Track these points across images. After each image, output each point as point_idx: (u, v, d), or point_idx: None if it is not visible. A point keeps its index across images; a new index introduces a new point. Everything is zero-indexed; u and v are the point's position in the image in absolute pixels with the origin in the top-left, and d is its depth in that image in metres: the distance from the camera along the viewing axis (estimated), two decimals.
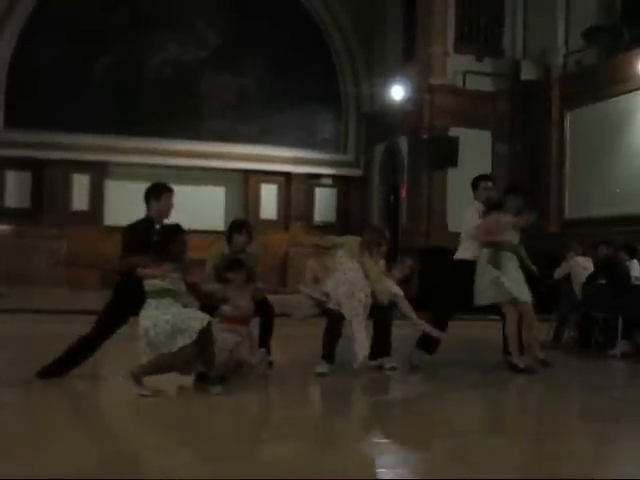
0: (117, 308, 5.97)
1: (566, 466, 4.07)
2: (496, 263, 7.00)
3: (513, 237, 7.24)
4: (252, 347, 6.44)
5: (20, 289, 15.71)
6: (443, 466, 3.95)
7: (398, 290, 6.97)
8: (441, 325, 7.15)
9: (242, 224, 7.16)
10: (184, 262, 5.97)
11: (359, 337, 6.56)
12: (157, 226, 6.11)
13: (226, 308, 6.34)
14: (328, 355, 6.66)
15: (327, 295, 6.75)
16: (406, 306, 6.92)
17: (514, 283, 7.02)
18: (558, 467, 4.02)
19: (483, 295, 7.08)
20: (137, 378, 5.54)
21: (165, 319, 5.59)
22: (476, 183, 7.64)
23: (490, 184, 7.63)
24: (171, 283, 5.75)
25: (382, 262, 7.10)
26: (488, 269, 7.01)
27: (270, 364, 6.84)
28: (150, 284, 5.72)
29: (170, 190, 6.24)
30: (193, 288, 6.08)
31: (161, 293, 5.73)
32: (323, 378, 6.44)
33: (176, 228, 6.01)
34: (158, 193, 6.17)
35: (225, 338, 6.10)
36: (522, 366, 6.96)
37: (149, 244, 5.88)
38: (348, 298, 6.63)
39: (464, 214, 7.63)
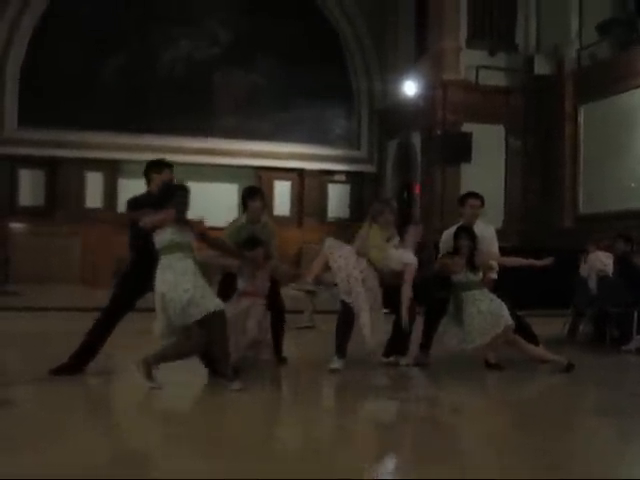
0: (130, 281, 5.97)
1: (581, 463, 4.04)
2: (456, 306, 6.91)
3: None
4: (264, 344, 6.43)
5: (35, 287, 15.78)
6: (449, 463, 3.94)
7: (410, 259, 6.78)
8: (434, 325, 7.16)
9: (255, 190, 7.18)
10: (188, 222, 5.82)
11: (363, 318, 6.53)
12: None
13: (242, 284, 6.35)
14: (339, 349, 6.65)
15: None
16: (407, 286, 6.79)
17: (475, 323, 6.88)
18: (573, 464, 4.00)
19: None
20: (147, 369, 5.51)
21: (184, 288, 5.47)
22: (464, 200, 7.41)
23: (478, 203, 7.39)
24: (179, 236, 5.63)
25: (394, 231, 7.01)
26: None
27: (284, 360, 6.84)
28: (159, 240, 5.62)
29: (170, 165, 6.25)
30: (204, 238, 5.94)
31: (171, 248, 5.59)
32: (336, 374, 6.42)
33: (176, 185, 5.94)
34: (159, 168, 6.19)
35: (239, 302, 6.15)
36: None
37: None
38: (346, 282, 6.58)
39: (444, 235, 7.46)
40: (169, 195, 5.79)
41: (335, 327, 6.74)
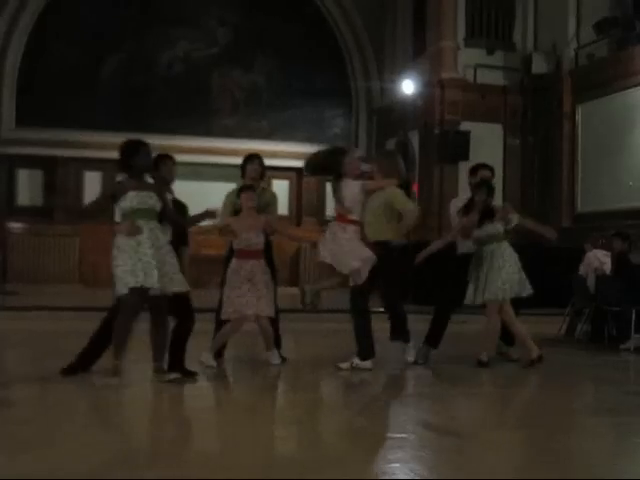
0: None
1: (580, 462, 4.05)
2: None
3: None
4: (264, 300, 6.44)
5: (33, 286, 15.78)
6: (453, 462, 3.95)
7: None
8: (443, 320, 7.13)
9: (253, 155, 7.19)
10: (151, 185, 5.71)
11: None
12: None
13: (235, 242, 6.36)
14: (362, 350, 6.56)
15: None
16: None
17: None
18: (571, 463, 4.01)
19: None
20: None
21: (116, 263, 5.44)
22: (475, 171, 7.50)
23: (489, 174, 7.48)
24: (140, 201, 5.53)
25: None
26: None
27: (284, 360, 6.85)
28: (121, 207, 5.52)
29: (147, 144, 5.95)
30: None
31: (131, 216, 5.50)
32: (341, 374, 6.43)
33: (139, 141, 5.77)
34: (136, 149, 5.87)
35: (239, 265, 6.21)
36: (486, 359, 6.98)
37: None
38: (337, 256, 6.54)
39: (452, 205, 7.57)
40: (132, 152, 5.64)
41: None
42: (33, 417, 4.74)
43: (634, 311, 8.45)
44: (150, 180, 5.82)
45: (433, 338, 7.08)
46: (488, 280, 6.78)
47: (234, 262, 6.40)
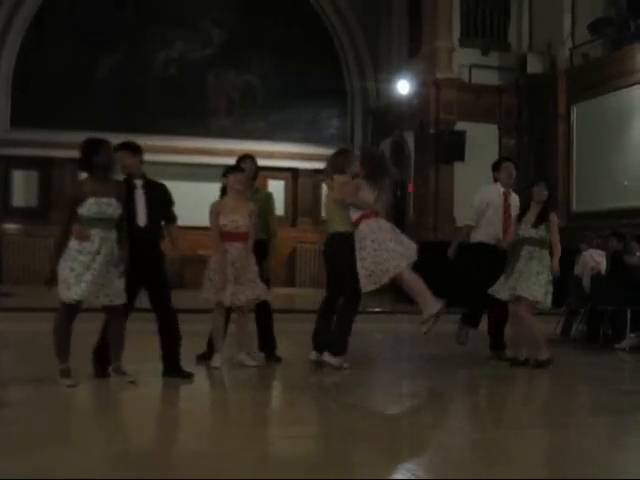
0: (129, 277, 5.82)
1: (575, 462, 4.06)
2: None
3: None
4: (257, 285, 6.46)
5: (28, 288, 15.73)
6: (452, 463, 3.95)
7: None
8: (477, 315, 7.25)
9: (245, 155, 7.22)
10: (118, 183, 5.65)
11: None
12: None
13: (222, 224, 6.35)
14: (341, 345, 6.58)
15: None
16: None
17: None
18: (567, 462, 4.01)
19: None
20: None
21: (66, 265, 5.39)
22: (499, 165, 7.70)
23: (513, 166, 7.69)
24: (98, 208, 5.41)
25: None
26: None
27: (279, 360, 6.85)
28: (80, 213, 5.41)
29: (109, 143, 5.76)
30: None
31: (87, 224, 5.40)
32: (334, 375, 6.43)
33: (98, 139, 5.64)
34: (96, 148, 5.69)
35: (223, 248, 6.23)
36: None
37: None
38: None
39: (479, 196, 7.63)
40: (92, 152, 5.53)
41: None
42: (28, 418, 4.73)
43: (629, 311, 8.47)
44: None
45: (473, 318, 7.31)
46: (522, 279, 6.82)
47: (226, 244, 6.38)
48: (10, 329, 9.29)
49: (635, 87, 13.78)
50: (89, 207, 5.40)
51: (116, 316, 5.68)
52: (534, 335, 6.93)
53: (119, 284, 5.56)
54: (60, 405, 5.16)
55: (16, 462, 3.67)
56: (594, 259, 9.40)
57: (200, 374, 6.24)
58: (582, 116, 15.28)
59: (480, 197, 7.60)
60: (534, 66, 16.04)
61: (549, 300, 6.91)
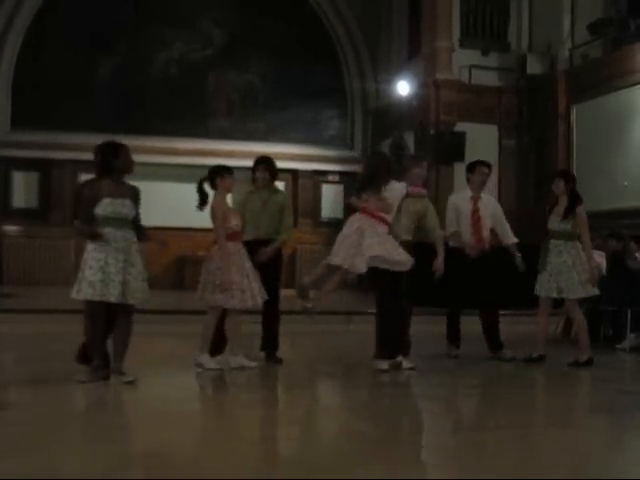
0: None
1: (575, 462, 4.06)
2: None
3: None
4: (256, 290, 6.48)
5: (28, 289, 15.76)
6: (445, 463, 3.96)
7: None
8: (455, 331, 7.34)
9: (259, 159, 7.30)
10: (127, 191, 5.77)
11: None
12: None
13: (229, 225, 6.38)
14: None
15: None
16: None
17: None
18: (567, 462, 4.01)
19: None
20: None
21: (89, 264, 5.54)
22: (473, 167, 7.73)
23: (487, 170, 7.72)
24: (113, 208, 5.61)
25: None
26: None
27: (279, 361, 6.85)
28: (97, 212, 5.60)
29: (126, 146, 6.01)
30: None
31: (105, 222, 5.61)
32: (332, 377, 6.43)
33: (117, 143, 5.85)
34: (115, 151, 5.90)
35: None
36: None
37: None
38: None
39: (450, 202, 7.76)
40: (112, 155, 5.70)
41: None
42: (29, 419, 4.73)
43: (629, 311, 8.47)
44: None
45: (451, 336, 7.54)
46: (562, 279, 7.02)
47: (231, 245, 6.38)
48: (10, 330, 9.28)
49: (635, 87, 13.77)
50: (104, 207, 5.58)
51: (126, 316, 5.72)
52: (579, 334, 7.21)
53: (136, 284, 5.63)
54: (60, 406, 5.16)
55: (16, 462, 3.68)
56: (594, 260, 9.39)
57: (198, 375, 6.24)
58: (582, 116, 15.28)
59: (450, 204, 7.68)
60: (534, 67, 16.03)
61: (589, 289, 7.09)
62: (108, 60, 19.35)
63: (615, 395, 6.00)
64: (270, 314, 6.92)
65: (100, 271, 5.49)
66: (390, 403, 5.74)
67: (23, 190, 19.08)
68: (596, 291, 7.16)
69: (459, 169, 15.97)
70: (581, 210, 7.10)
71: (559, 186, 7.17)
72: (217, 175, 6.55)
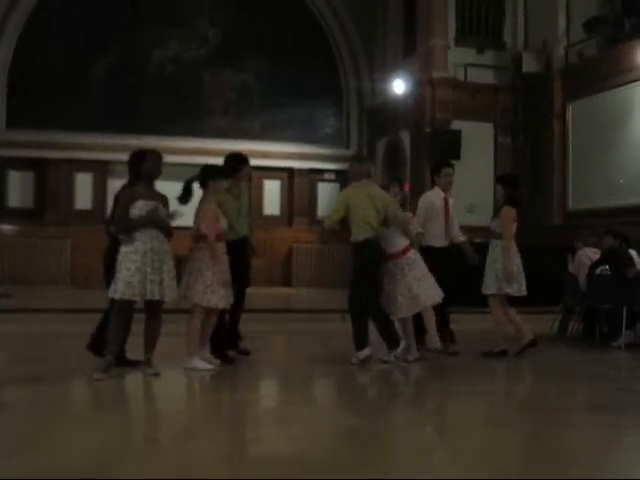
0: None
1: (570, 460, 4.07)
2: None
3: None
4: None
5: (24, 288, 15.74)
6: (445, 461, 3.96)
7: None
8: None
9: (245, 158, 7.50)
10: (159, 195, 6.05)
11: None
12: None
13: (203, 226, 6.35)
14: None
15: None
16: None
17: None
18: (562, 461, 4.02)
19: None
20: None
21: (126, 266, 5.76)
22: (438, 169, 7.80)
23: (452, 172, 7.78)
24: (148, 212, 5.89)
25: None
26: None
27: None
28: (132, 215, 5.89)
29: (155, 152, 6.26)
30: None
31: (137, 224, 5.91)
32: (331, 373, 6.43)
33: (144, 150, 6.16)
34: (142, 156, 6.17)
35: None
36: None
37: None
38: None
39: (422, 201, 7.82)
40: (140, 161, 6.02)
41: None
42: (26, 418, 4.73)
43: (625, 308, 8.48)
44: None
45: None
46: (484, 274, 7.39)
47: (219, 245, 6.38)
48: (6, 330, 9.27)
49: (630, 85, 13.81)
50: (140, 208, 5.91)
51: (156, 313, 6.04)
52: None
53: (169, 282, 5.94)
54: (59, 405, 5.16)
55: (16, 462, 3.68)
56: (589, 257, 9.41)
57: (196, 375, 6.24)
58: (577, 114, 15.31)
59: (425, 202, 7.70)
60: (529, 65, 16.06)
61: (504, 286, 7.32)
62: (103, 59, 19.34)
63: (611, 393, 6.00)
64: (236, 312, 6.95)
65: (138, 272, 5.76)
66: (389, 402, 5.74)
67: (18, 189, 19.07)
68: (511, 290, 7.32)
69: (455, 168, 15.99)
70: (506, 210, 7.28)
71: (498, 190, 7.69)
72: (209, 177, 6.56)
